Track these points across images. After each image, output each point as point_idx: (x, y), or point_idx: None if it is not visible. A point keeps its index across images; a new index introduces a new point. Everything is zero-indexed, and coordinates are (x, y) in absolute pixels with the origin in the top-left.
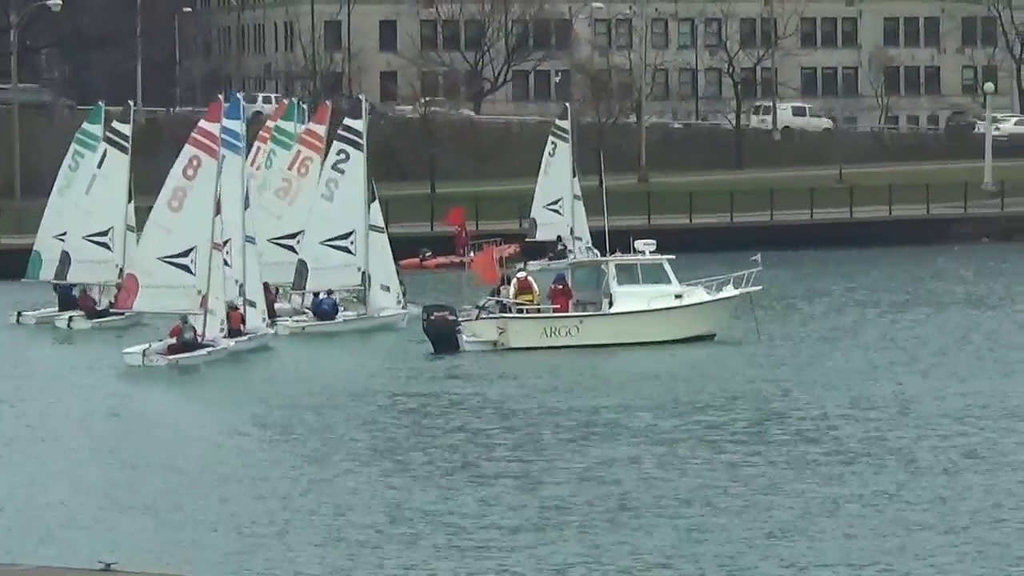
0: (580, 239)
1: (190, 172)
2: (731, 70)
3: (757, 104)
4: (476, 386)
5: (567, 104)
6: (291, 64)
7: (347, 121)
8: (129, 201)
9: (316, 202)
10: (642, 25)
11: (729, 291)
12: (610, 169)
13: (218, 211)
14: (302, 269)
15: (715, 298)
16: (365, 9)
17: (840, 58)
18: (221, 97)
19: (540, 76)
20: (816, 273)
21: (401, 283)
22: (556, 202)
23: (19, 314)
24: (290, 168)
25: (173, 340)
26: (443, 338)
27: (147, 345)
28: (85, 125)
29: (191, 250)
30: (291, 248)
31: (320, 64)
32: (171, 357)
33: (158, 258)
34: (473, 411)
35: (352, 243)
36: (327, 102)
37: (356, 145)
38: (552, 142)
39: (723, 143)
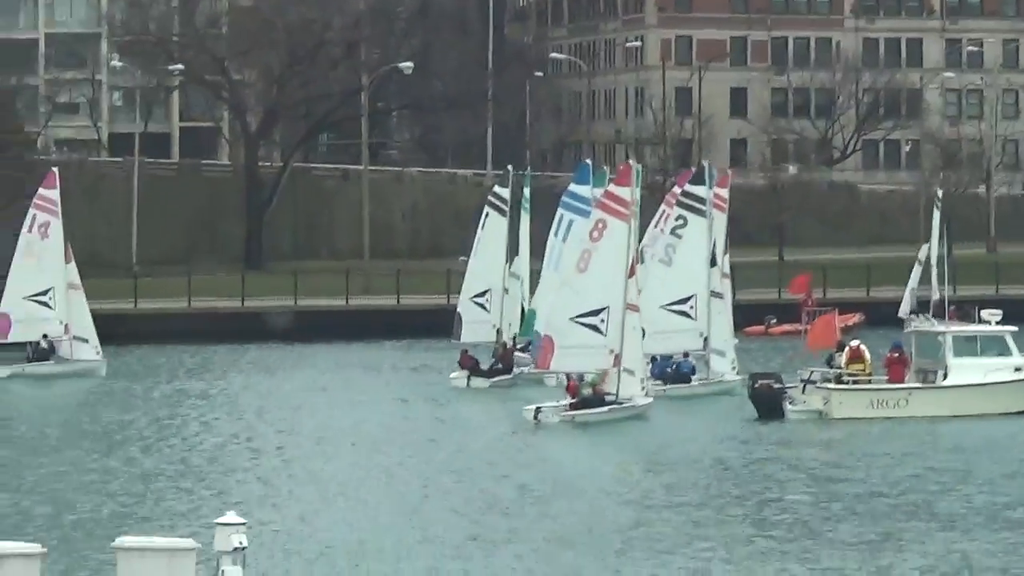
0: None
1: (595, 234)
2: None
3: None
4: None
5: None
6: (641, 130)
7: (688, 187)
8: (507, 262)
9: (654, 266)
10: (993, 95)
11: None
12: (959, 238)
13: (632, 273)
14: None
15: None
16: (716, 76)
17: None
18: (631, 162)
19: (890, 145)
20: None
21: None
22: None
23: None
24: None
25: (572, 399)
26: (767, 405)
27: (554, 403)
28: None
29: (601, 310)
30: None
31: (670, 130)
32: (567, 414)
33: (569, 319)
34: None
35: (692, 307)
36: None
37: (697, 211)
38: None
39: None
